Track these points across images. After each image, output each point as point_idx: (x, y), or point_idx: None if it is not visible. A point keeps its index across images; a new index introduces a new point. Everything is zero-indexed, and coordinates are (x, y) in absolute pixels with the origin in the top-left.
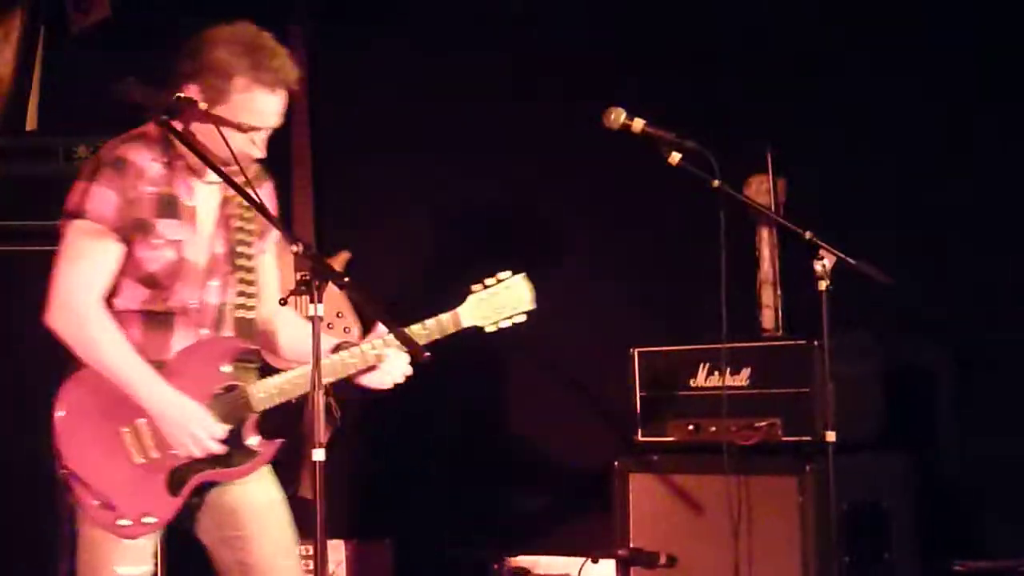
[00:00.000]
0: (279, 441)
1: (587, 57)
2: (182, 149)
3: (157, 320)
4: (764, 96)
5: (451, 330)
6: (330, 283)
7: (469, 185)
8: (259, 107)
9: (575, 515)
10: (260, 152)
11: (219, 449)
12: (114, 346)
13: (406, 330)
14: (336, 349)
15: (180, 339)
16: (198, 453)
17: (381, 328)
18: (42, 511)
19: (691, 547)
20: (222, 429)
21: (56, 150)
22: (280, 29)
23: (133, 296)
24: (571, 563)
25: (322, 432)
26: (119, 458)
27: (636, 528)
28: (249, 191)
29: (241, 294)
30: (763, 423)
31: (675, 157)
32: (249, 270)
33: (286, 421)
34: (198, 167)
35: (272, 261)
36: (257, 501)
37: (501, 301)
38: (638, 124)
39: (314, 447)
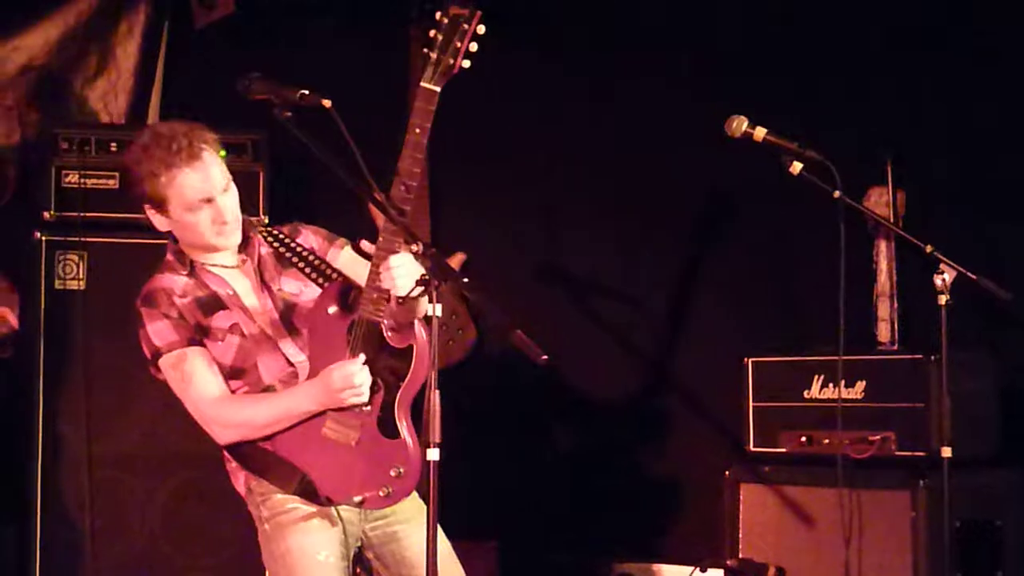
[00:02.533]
0: (414, 303)
1: (706, 64)
2: (196, 254)
3: None
4: (887, 107)
5: None
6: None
7: (578, 190)
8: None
9: (685, 523)
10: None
11: (366, 375)
12: (259, 409)
13: None
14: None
15: None
16: (365, 393)
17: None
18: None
19: (801, 560)
20: (356, 358)
21: None
22: (397, 32)
23: (236, 390)
24: (680, 571)
25: (437, 431)
26: (346, 452)
27: (746, 538)
28: (375, 195)
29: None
30: (877, 437)
31: (796, 167)
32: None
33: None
34: (218, 260)
35: (349, 255)
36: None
37: None
38: (760, 132)
39: (428, 447)
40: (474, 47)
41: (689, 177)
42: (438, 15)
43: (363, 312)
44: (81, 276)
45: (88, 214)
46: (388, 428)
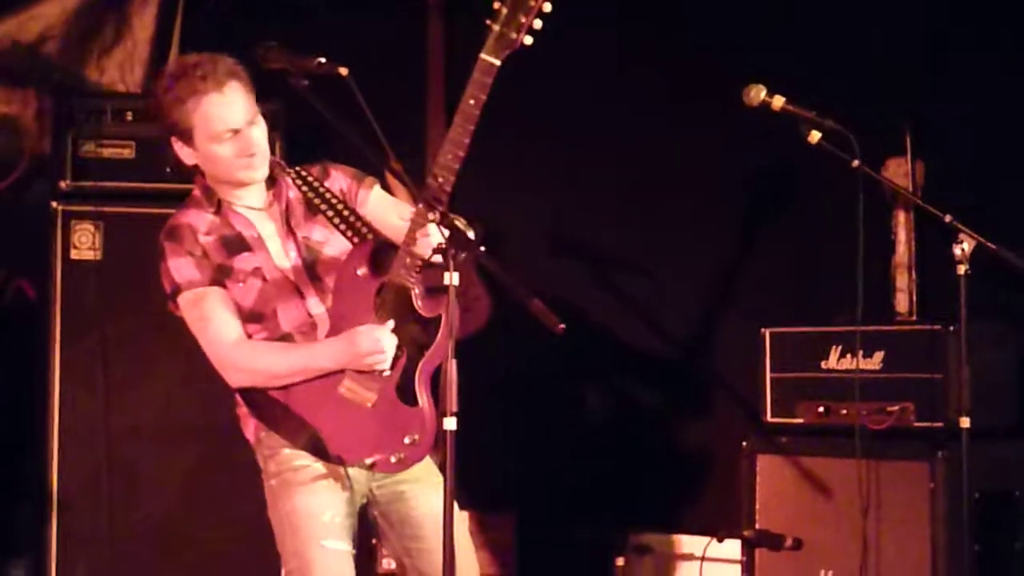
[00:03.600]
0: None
1: (724, 34)
2: (224, 191)
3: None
4: (904, 76)
5: None
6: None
7: (597, 160)
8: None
9: (702, 494)
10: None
11: (393, 342)
12: (277, 358)
13: None
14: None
15: None
16: (388, 360)
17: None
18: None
19: (818, 531)
20: (383, 323)
21: None
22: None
23: (253, 334)
24: (696, 542)
25: (454, 401)
26: (361, 413)
27: (763, 509)
28: (393, 164)
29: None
30: (895, 407)
31: (815, 136)
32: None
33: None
34: (245, 200)
35: (379, 196)
36: (437, 512)
37: None
38: (778, 102)
39: (445, 416)
40: (538, 24)
41: (706, 149)
42: None
43: (394, 276)
44: (97, 246)
45: (104, 184)
46: (406, 394)
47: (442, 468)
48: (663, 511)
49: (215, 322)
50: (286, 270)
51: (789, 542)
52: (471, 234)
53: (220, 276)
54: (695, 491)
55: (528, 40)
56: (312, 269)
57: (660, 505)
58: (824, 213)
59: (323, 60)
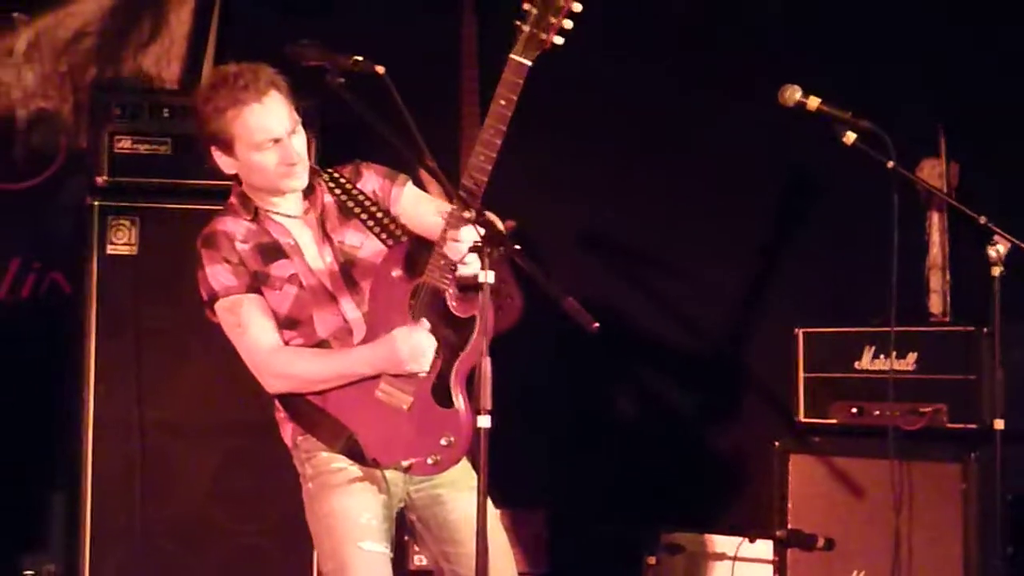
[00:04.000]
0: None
1: (755, 35)
2: (261, 199)
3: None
4: (939, 79)
5: None
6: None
7: (632, 160)
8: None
9: (734, 494)
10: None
11: (432, 342)
12: (314, 364)
13: None
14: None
15: None
16: (427, 362)
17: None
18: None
19: (850, 531)
20: (421, 325)
21: None
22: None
23: (289, 341)
24: (728, 542)
25: (488, 398)
26: (397, 416)
27: (795, 509)
28: (428, 162)
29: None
30: (928, 408)
31: (850, 137)
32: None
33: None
34: (282, 208)
35: (412, 193)
36: (474, 516)
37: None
38: (813, 102)
39: (479, 414)
40: (568, 24)
41: (740, 149)
42: None
43: (429, 278)
44: (133, 242)
45: (141, 179)
46: (442, 396)
47: (476, 466)
48: (695, 510)
49: (252, 329)
50: (322, 276)
51: (821, 542)
52: (505, 232)
53: (256, 283)
54: (727, 491)
55: (558, 40)
56: (348, 273)
57: (692, 504)
58: (858, 214)
59: (360, 58)
